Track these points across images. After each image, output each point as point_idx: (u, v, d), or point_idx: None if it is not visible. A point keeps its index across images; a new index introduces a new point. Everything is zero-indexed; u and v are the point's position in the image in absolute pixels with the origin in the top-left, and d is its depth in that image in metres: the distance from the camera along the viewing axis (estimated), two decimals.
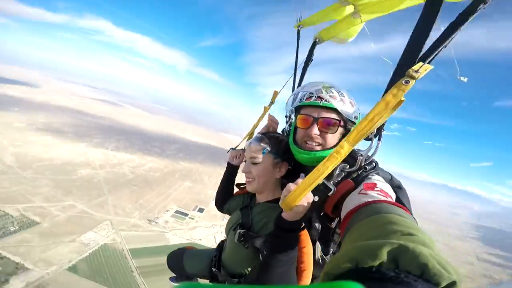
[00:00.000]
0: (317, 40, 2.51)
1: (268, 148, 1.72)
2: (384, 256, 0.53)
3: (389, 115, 1.10)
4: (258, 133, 1.92)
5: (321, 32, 2.44)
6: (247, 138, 2.40)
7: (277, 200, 1.66)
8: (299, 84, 2.55)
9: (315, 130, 1.53)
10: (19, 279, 34.80)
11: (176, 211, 70.64)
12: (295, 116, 1.69)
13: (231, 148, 2.33)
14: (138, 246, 51.52)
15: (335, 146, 1.54)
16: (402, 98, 1.06)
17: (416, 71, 1.06)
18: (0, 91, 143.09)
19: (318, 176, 1.11)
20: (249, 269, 1.72)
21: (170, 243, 55.83)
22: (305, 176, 1.17)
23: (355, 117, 1.56)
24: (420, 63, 1.09)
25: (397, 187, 1.43)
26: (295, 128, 1.69)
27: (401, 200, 1.35)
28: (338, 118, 1.53)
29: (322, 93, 1.54)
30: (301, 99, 1.62)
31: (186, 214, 70.12)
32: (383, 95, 1.22)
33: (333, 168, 1.14)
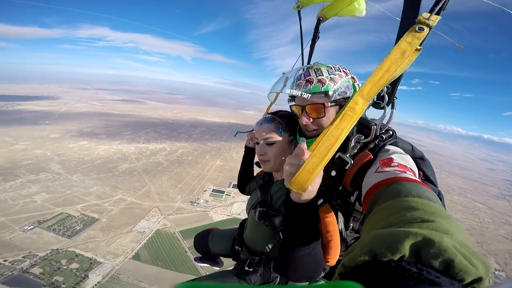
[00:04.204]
0: (321, 19, 2.43)
1: (282, 127, 1.68)
2: (405, 249, 0.48)
3: (406, 66, 0.98)
4: (267, 114, 1.86)
5: (324, 10, 2.38)
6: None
7: None
8: (308, 63, 2.46)
9: (305, 119, 1.53)
10: (96, 273, 39.46)
11: (213, 190, 74.11)
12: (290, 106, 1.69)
13: (237, 132, 2.36)
14: (187, 227, 55.40)
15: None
16: (419, 47, 0.96)
17: (427, 19, 0.97)
18: (26, 108, 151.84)
19: (332, 144, 0.93)
20: (270, 246, 1.74)
21: (213, 220, 59.62)
22: (306, 140, 1.05)
23: (350, 88, 1.48)
24: (427, 13, 0.99)
25: (419, 158, 1.39)
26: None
27: (425, 172, 1.31)
28: (322, 101, 1.46)
29: (300, 79, 1.50)
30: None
31: (223, 192, 73.38)
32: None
33: (350, 129, 0.96)
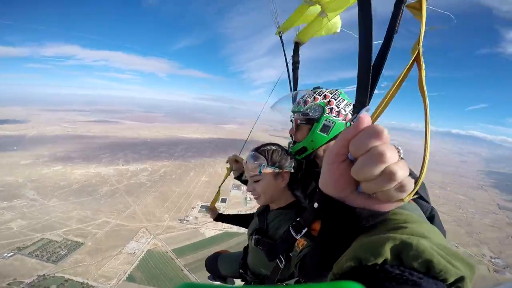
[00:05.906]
0: (298, 43, 2.50)
1: (264, 163, 1.69)
2: (387, 253, 0.50)
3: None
4: (251, 150, 1.86)
5: (299, 34, 2.42)
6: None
7: (288, 206, 1.80)
8: (295, 87, 2.60)
9: (290, 130, 1.88)
10: None
11: (202, 206, 72.51)
12: None
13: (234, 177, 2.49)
14: (179, 245, 54.01)
15: (302, 140, 1.75)
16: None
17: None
18: None
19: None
20: (268, 270, 1.74)
21: (206, 236, 58.61)
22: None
23: (318, 110, 1.68)
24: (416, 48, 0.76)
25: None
26: None
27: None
28: (297, 118, 1.76)
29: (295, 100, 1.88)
30: None
31: None
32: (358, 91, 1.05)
33: None
